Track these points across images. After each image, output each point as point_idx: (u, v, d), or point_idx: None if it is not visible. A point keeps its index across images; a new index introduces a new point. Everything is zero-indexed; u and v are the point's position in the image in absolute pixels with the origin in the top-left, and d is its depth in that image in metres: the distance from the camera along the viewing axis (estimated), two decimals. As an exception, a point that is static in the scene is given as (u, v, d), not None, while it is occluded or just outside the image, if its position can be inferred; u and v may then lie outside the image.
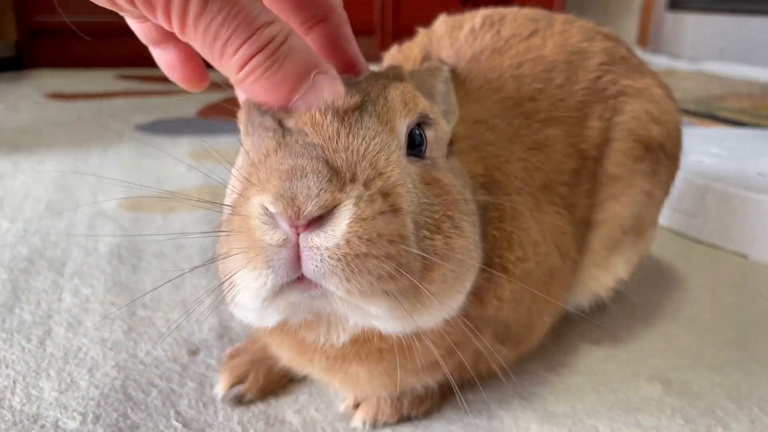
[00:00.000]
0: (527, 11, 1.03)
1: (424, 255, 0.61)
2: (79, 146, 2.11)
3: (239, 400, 0.86)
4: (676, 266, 1.33)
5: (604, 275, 0.99)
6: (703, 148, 1.73)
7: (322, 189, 0.55)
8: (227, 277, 0.61)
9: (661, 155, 0.99)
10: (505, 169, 0.83)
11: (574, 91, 0.94)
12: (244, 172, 0.62)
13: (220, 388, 0.86)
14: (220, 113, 2.64)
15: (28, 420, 0.81)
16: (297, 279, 0.57)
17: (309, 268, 0.56)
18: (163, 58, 0.74)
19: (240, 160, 0.65)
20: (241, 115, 0.68)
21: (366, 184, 0.58)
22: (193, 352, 0.97)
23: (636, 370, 0.96)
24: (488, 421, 0.84)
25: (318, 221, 0.56)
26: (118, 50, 3.87)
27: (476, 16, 1.00)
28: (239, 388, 0.86)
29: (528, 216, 0.83)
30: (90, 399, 0.85)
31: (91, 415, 0.82)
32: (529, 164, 0.88)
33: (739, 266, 1.35)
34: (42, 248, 1.31)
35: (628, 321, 1.10)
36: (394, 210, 0.59)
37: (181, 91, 3.09)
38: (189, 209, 1.56)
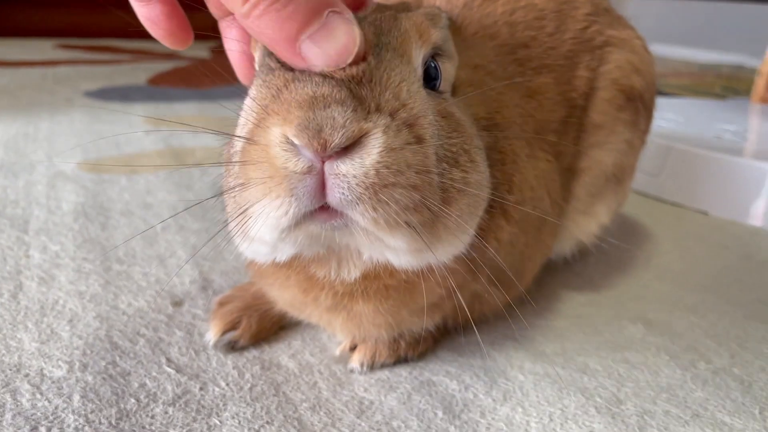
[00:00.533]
0: (511, -40, 1.03)
1: (446, 188, 0.61)
2: (26, 111, 2.01)
3: (232, 347, 0.84)
4: (642, 222, 1.38)
5: (587, 222, 1.02)
6: (660, 114, 1.79)
7: (348, 119, 0.54)
8: (243, 209, 0.60)
9: (640, 105, 1.02)
10: (505, 114, 0.83)
11: (564, 40, 0.96)
12: (260, 102, 0.60)
13: (213, 334, 0.84)
14: (173, 82, 2.56)
15: (10, 369, 0.77)
16: (319, 208, 0.56)
17: (335, 196, 0.55)
18: (146, 13, 0.71)
19: (254, 90, 0.62)
20: (255, 42, 0.66)
21: (391, 115, 0.58)
22: (177, 304, 0.94)
23: (618, 313, 0.99)
24: (482, 361, 0.85)
25: (344, 150, 0.54)
26: (55, 20, 3.71)
27: (464, -36, 1.00)
28: (232, 334, 0.84)
29: (525, 160, 0.84)
30: (74, 348, 0.82)
31: (77, 363, 0.79)
32: (523, 111, 0.89)
33: (701, 222, 1.41)
34: (0, 207, 1.25)
35: (603, 269, 1.13)
36: (419, 141, 0.59)
37: (128, 60, 3.01)
38: (152, 170, 1.51)
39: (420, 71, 0.65)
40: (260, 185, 0.57)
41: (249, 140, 0.58)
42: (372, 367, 0.82)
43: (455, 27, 0.90)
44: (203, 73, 2.72)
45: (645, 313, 0.99)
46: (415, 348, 0.84)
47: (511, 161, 0.79)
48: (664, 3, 4.61)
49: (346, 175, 0.54)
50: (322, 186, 0.55)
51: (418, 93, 0.61)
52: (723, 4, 4.31)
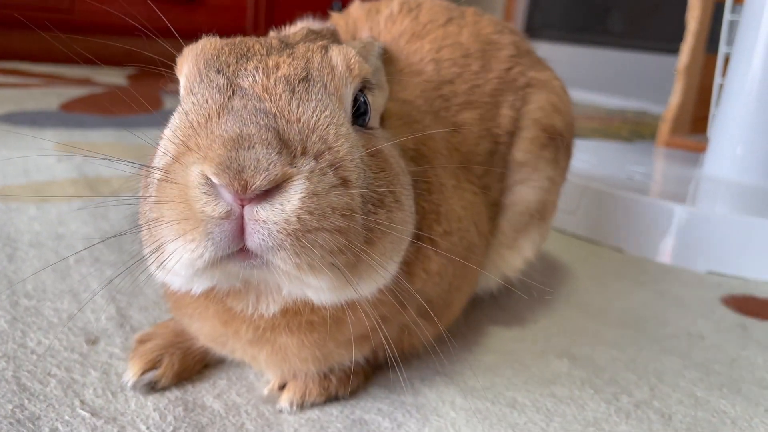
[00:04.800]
0: (439, 1, 1.06)
1: (370, 228, 0.61)
2: (-77, 134, 1.88)
3: (152, 387, 0.80)
4: (562, 259, 1.42)
5: (512, 256, 1.03)
6: (576, 155, 1.86)
7: (272, 162, 0.53)
8: (157, 243, 0.58)
9: (561, 144, 1.06)
10: (431, 145, 0.85)
11: (489, 79, 0.98)
12: (181, 134, 0.58)
13: (131, 374, 0.79)
14: (87, 108, 2.46)
15: None
16: (237, 249, 0.55)
17: (254, 241, 0.54)
18: None
19: (176, 120, 0.61)
20: (181, 65, 0.64)
21: (317, 158, 0.57)
22: (92, 341, 0.89)
23: (543, 348, 1.00)
24: (414, 398, 0.84)
25: (265, 193, 0.54)
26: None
27: (393, 2, 1.02)
28: (153, 374, 0.80)
29: (452, 191, 0.85)
30: (-23, 391, 0.76)
31: (-20, 407, 0.73)
32: (449, 144, 0.91)
33: (617, 259, 1.46)
34: None
35: (528, 305, 1.15)
36: (345, 183, 0.59)
37: (38, 85, 2.87)
38: (65, 199, 1.44)
39: (349, 109, 0.65)
40: (175, 225, 0.55)
41: (166, 177, 0.57)
42: (302, 406, 0.79)
43: (389, 57, 0.91)
44: (120, 100, 2.63)
45: (569, 348, 1.01)
46: (345, 385, 0.83)
47: (437, 191, 0.81)
48: (572, 48, 4.86)
49: (267, 221, 0.54)
50: (240, 230, 0.54)
51: (347, 135, 0.61)
52: (627, 53, 4.58)
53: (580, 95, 4.58)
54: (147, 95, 2.69)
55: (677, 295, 1.27)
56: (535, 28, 5.18)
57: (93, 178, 1.61)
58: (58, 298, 1.00)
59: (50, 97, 2.61)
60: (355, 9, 1.03)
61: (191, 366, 0.83)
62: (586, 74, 4.78)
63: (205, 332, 0.76)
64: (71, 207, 1.39)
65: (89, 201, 1.44)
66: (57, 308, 0.96)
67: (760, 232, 1.40)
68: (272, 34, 0.86)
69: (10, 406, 0.73)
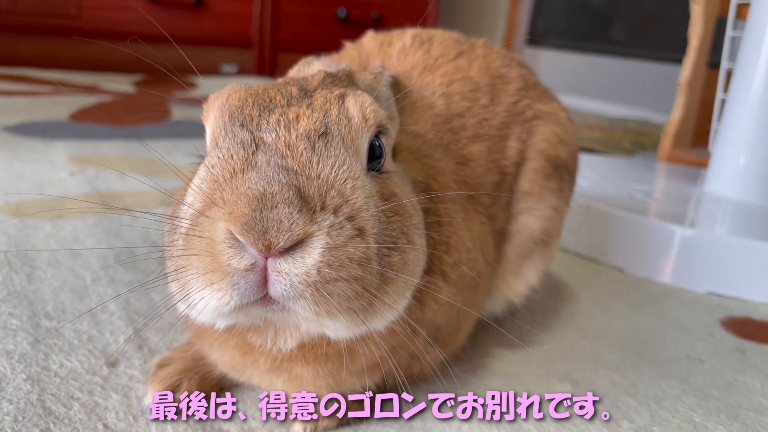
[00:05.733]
0: (450, 34, 1.09)
1: (384, 273, 0.65)
2: (-62, 146, 1.91)
3: (172, 411, 0.83)
4: (564, 279, 1.45)
5: (516, 282, 1.07)
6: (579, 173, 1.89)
7: (294, 222, 0.58)
8: (185, 289, 0.62)
9: (565, 173, 1.09)
10: (440, 179, 0.88)
11: (497, 112, 1.02)
12: (207, 188, 0.62)
13: (151, 398, 0.83)
14: (97, 118, 2.50)
15: (-66, 440, 0.73)
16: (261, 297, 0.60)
17: (277, 290, 0.59)
18: None
19: (202, 173, 0.65)
20: (208, 113, 0.68)
21: (335, 212, 0.62)
22: (112, 364, 0.92)
23: (546, 372, 1.04)
24: (422, 422, 0.87)
25: (287, 248, 0.58)
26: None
27: (405, 35, 1.05)
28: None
29: (461, 222, 0.88)
30: (5, 415, 0.79)
31: (8, 431, 0.76)
32: (458, 177, 0.94)
33: (618, 279, 1.49)
34: None
35: (532, 326, 1.18)
36: (361, 233, 0.63)
37: (48, 93, 2.91)
38: (79, 215, 1.47)
39: (365, 157, 0.69)
40: (203, 276, 0.60)
41: (194, 232, 0.61)
42: (315, 431, 0.82)
43: (400, 87, 0.94)
44: (127, 109, 2.67)
45: (571, 372, 1.04)
46: (358, 410, 0.86)
47: (447, 223, 0.84)
48: (575, 56, 4.89)
49: (288, 273, 0.58)
50: (264, 280, 0.59)
51: (363, 187, 0.65)
52: (630, 62, 4.61)
53: (582, 103, 4.61)
54: (154, 104, 2.73)
55: (677, 317, 1.30)
56: (537, 36, 5.22)
57: (105, 192, 1.65)
58: (77, 318, 1.03)
59: (60, 107, 2.64)
60: (368, 41, 1.07)
61: (209, 391, 0.87)
62: (588, 82, 4.82)
63: (224, 361, 0.80)
64: (86, 223, 1.43)
65: (103, 217, 1.47)
66: (77, 329, 1.00)
67: (759, 254, 1.43)
68: (292, 73, 0.89)
69: (36, 430, 0.77)
